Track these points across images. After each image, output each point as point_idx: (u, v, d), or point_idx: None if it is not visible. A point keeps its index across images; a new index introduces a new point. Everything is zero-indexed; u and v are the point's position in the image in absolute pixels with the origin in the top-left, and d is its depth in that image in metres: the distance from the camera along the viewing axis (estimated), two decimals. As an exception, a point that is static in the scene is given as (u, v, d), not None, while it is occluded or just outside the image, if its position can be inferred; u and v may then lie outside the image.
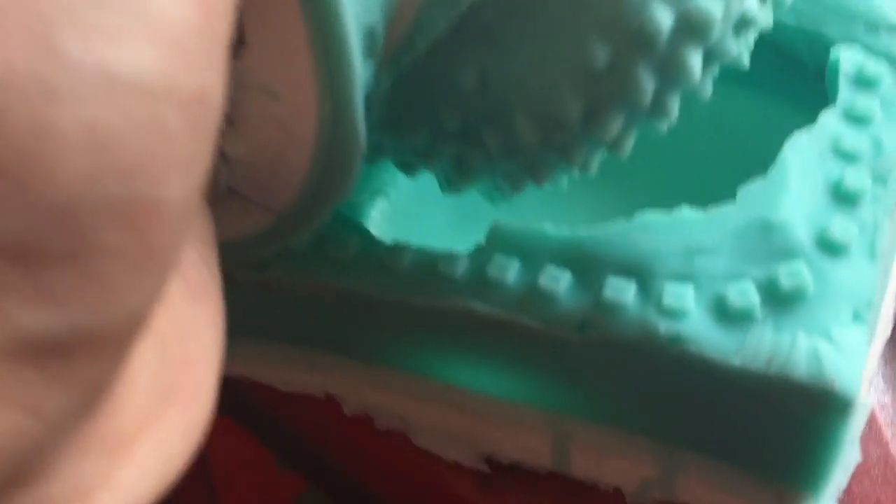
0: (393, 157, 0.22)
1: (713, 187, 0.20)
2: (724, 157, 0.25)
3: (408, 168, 0.22)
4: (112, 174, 0.09)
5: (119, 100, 0.09)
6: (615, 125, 0.18)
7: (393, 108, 0.20)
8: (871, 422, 0.24)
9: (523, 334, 0.19)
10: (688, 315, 0.18)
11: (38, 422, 0.10)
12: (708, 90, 0.19)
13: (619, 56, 0.17)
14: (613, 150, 0.19)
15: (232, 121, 0.17)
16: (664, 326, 0.18)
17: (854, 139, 0.20)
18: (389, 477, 0.27)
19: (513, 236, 0.20)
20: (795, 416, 0.17)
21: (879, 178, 0.19)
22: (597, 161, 0.19)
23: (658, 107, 0.18)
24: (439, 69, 0.19)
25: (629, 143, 0.19)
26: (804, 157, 0.19)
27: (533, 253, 0.20)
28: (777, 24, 0.20)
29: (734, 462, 0.19)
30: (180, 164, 0.10)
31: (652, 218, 0.19)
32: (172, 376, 0.13)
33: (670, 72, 0.18)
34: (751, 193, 0.19)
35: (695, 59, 0.17)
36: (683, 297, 0.18)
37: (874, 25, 0.22)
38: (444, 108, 0.19)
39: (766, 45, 0.21)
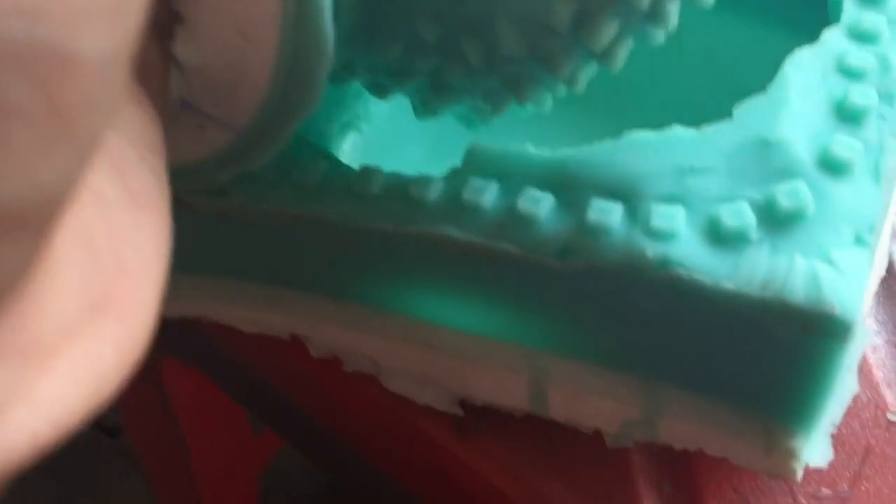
0: (364, 77, 0.20)
1: (708, 114, 0.19)
2: (721, 84, 0.23)
3: (380, 90, 0.21)
4: (12, 11, 0.08)
5: None
6: (608, 32, 0.16)
7: (364, 21, 0.18)
8: (863, 363, 0.23)
9: (501, 261, 0.18)
10: (677, 237, 0.16)
11: None
12: None
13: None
14: (605, 61, 0.17)
15: (184, 19, 0.16)
16: (651, 249, 0.16)
17: (860, 56, 0.18)
18: (360, 424, 0.26)
19: (491, 158, 0.19)
20: (791, 343, 0.16)
21: (887, 97, 0.18)
22: (586, 75, 0.18)
23: (656, 11, 0.17)
24: (414, -27, 0.17)
25: (622, 55, 0.17)
26: (806, 73, 0.18)
27: (512, 175, 0.18)
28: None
29: (721, 397, 0.18)
30: (100, 12, 0.09)
31: (641, 137, 0.18)
32: (106, 285, 0.12)
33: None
34: (748, 111, 0.18)
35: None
36: (673, 219, 0.16)
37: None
38: (420, 18, 0.18)
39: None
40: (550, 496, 0.22)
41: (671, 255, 0.16)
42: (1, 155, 0.08)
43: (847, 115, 0.17)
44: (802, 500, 0.21)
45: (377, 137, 0.27)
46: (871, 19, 0.19)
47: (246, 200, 0.20)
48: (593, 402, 0.20)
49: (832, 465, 0.21)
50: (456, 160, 0.20)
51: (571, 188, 0.18)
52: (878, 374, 0.23)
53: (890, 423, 0.22)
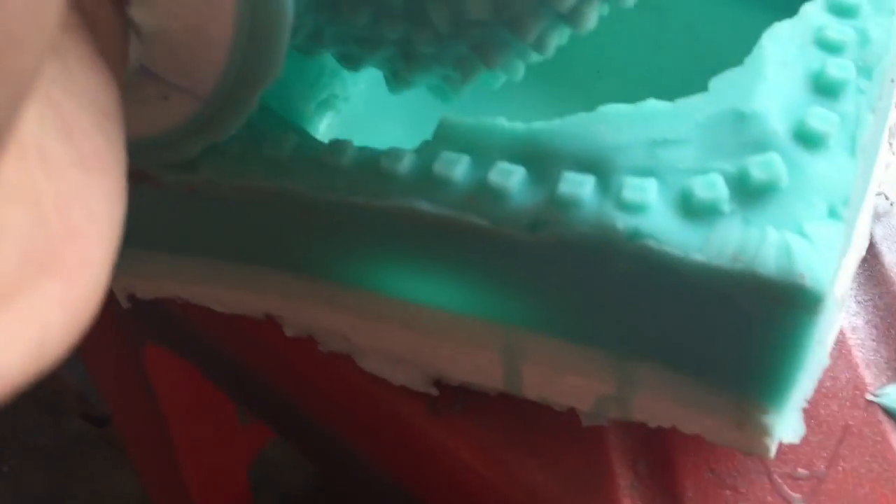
0: (333, 47, 0.20)
1: (691, 90, 0.19)
2: (704, 60, 0.23)
3: (351, 61, 0.20)
4: None
5: None
6: None
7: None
8: (842, 344, 0.23)
9: (472, 235, 0.18)
10: (649, 209, 0.16)
11: None
12: None
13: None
14: (572, 23, 0.17)
15: (141, -21, 0.15)
16: (622, 221, 0.16)
17: (838, 30, 0.18)
18: (337, 406, 0.26)
19: (463, 130, 0.18)
20: (762, 316, 0.15)
21: (864, 70, 0.17)
22: (554, 39, 0.18)
23: None
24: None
25: (590, 17, 0.17)
26: (783, 47, 0.18)
27: (484, 148, 0.18)
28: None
29: (693, 372, 0.17)
30: None
31: (614, 109, 0.17)
32: (52, 246, 0.12)
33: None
34: (723, 84, 0.17)
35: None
36: (645, 191, 0.16)
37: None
38: (386, -18, 0.17)
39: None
40: (525, 476, 0.22)
41: (642, 227, 0.16)
42: None
43: (824, 88, 0.17)
44: (779, 480, 0.21)
45: (355, 117, 0.27)
46: (852, -7, 0.19)
47: (215, 174, 0.20)
48: (567, 379, 0.20)
49: (809, 445, 0.21)
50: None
51: (543, 161, 0.17)
52: (858, 354, 0.23)
53: (868, 403, 0.22)
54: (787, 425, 0.17)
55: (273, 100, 0.23)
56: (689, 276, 0.16)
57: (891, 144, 0.25)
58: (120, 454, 0.68)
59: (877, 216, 0.25)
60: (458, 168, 0.18)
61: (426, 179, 0.18)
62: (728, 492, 0.21)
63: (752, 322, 0.16)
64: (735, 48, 0.20)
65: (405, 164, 0.18)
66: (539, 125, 0.18)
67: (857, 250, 0.22)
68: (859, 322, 0.23)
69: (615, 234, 0.16)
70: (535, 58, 0.18)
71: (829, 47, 0.18)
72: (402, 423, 0.24)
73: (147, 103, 0.18)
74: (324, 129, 0.26)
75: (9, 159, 0.11)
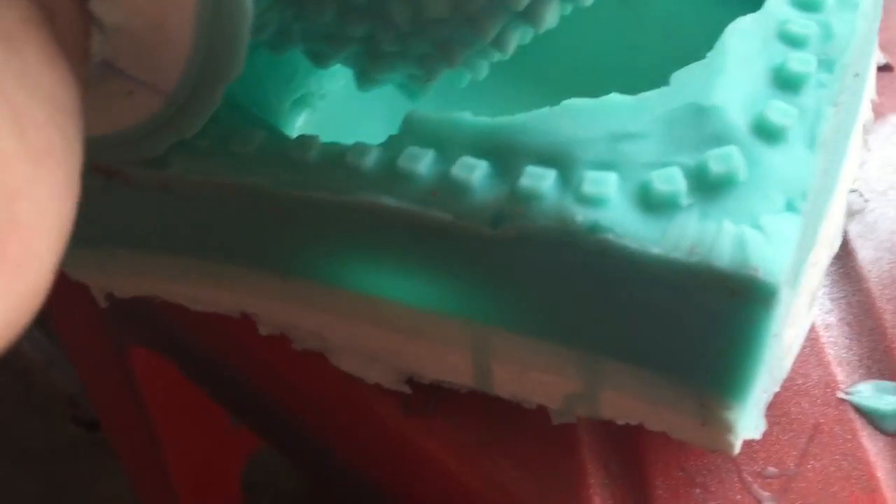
0: (302, 45, 0.20)
1: (660, 86, 0.19)
2: (679, 55, 0.23)
3: (319, 58, 0.20)
4: None
5: None
6: None
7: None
8: (814, 342, 0.23)
9: (436, 230, 0.18)
10: (608, 203, 0.16)
11: None
12: None
13: None
14: (530, 21, 0.17)
15: (101, -26, 0.16)
16: (582, 215, 0.16)
17: (801, 24, 0.18)
18: (310, 404, 0.26)
19: (428, 125, 0.18)
20: (718, 309, 0.15)
21: (826, 64, 0.17)
22: (514, 38, 0.18)
23: None
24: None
25: (546, 14, 0.17)
26: (746, 41, 0.18)
27: (449, 142, 0.18)
28: None
29: (656, 369, 0.17)
30: None
31: (576, 103, 0.17)
32: None
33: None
34: (684, 77, 0.17)
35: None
36: (604, 185, 0.16)
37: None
38: (349, -20, 0.17)
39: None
40: (498, 474, 0.22)
41: (601, 220, 0.16)
42: None
43: (784, 82, 0.17)
44: (748, 479, 0.21)
45: (332, 113, 0.27)
46: (817, -13, 0.19)
47: (185, 170, 0.20)
48: (535, 376, 0.20)
49: (779, 443, 0.21)
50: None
51: (507, 155, 0.17)
52: (830, 352, 0.23)
53: (840, 401, 0.22)
54: (749, 421, 0.17)
55: (247, 97, 0.24)
56: (647, 269, 0.16)
57: (865, 141, 0.25)
58: (112, 458, 0.68)
59: (851, 213, 0.25)
60: (422, 162, 0.18)
61: (391, 174, 0.18)
62: (698, 490, 0.21)
63: (709, 316, 0.16)
64: (710, 44, 0.20)
65: (370, 159, 0.18)
66: (503, 119, 0.18)
67: (828, 247, 0.22)
68: (832, 319, 0.23)
69: (575, 228, 0.16)
70: (497, 56, 0.18)
71: (791, 41, 0.18)
72: (376, 421, 0.24)
73: (113, 99, 0.18)
74: (300, 126, 0.26)
75: None
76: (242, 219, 0.21)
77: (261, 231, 0.21)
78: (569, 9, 0.18)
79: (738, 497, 0.21)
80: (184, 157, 0.20)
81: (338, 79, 0.27)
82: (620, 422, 0.20)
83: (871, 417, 0.21)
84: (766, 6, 0.19)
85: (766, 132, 0.16)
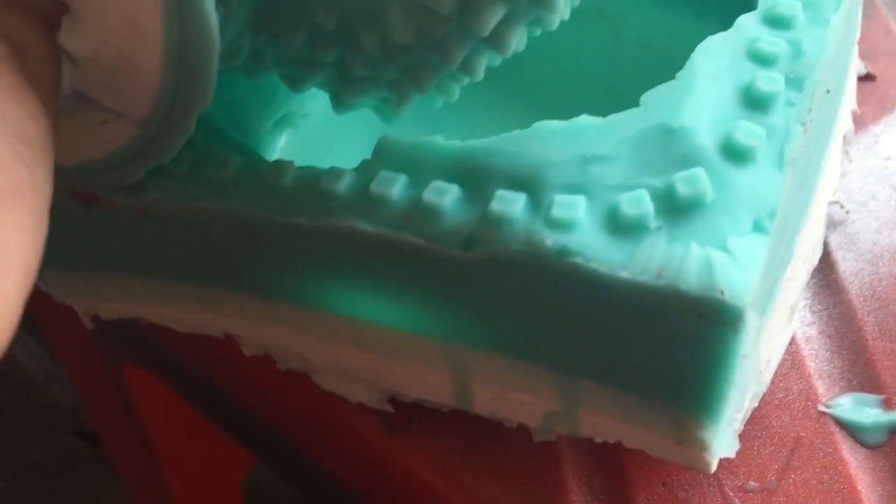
0: (276, 69, 0.20)
1: (629, 103, 0.19)
2: (653, 72, 0.23)
3: (294, 82, 0.21)
4: None
5: None
6: (493, 16, 0.16)
7: (264, 9, 0.18)
8: (795, 355, 0.23)
9: (410, 254, 0.18)
10: (577, 226, 0.16)
11: None
12: None
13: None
14: (495, 47, 0.17)
15: (70, 9, 0.16)
16: (551, 239, 0.16)
17: (770, 42, 0.18)
18: (296, 422, 0.26)
19: (401, 149, 0.18)
20: (687, 331, 0.15)
21: (795, 82, 0.18)
22: (481, 63, 0.18)
23: None
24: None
25: (512, 40, 0.17)
26: (716, 60, 0.18)
27: (421, 166, 0.18)
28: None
29: (630, 389, 0.17)
30: None
31: (546, 125, 0.17)
32: None
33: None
34: (654, 99, 0.18)
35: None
36: (573, 208, 0.16)
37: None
38: (318, 6, 0.18)
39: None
40: (481, 491, 0.22)
41: (570, 244, 0.16)
42: None
43: (753, 102, 0.17)
44: (730, 493, 0.21)
45: (314, 133, 0.27)
46: (787, 4, 0.19)
47: (163, 196, 0.20)
48: (514, 395, 0.20)
49: (761, 457, 0.21)
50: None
51: (478, 179, 0.17)
52: (811, 365, 0.23)
53: (820, 414, 0.22)
54: (724, 439, 0.17)
55: (228, 119, 0.24)
56: (616, 292, 0.16)
57: (846, 152, 0.25)
58: (113, 470, 0.68)
59: (832, 225, 0.25)
60: (394, 187, 0.18)
61: (364, 199, 0.18)
62: (680, 505, 0.21)
63: (679, 338, 0.16)
64: (680, 55, 0.20)
65: (344, 184, 0.18)
66: (474, 143, 0.18)
67: (807, 260, 0.22)
68: (813, 332, 0.23)
69: (545, 252, 0.16)
70: (466, 80, 0.18)
71: (761, 60, 0.18)
72: (360, 440, 0.24)
73: (87, 128, 0.18)
74: (282, 146, 0.26)
75: None
76: (222, 243, 0.21)
77: (240, 255, 0.21)
78: (537, 32, 0.18)
79: (720, 512, 0.21)
80: (161, 183, 0.20)
81: (319, 98, 0.27)
82: (599, 440, 0.20)
83: (851, 430, 0.21)
84: (737, 24, 0.19)
85: (734, 153, 0.16)
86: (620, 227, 0.16)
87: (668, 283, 0.15)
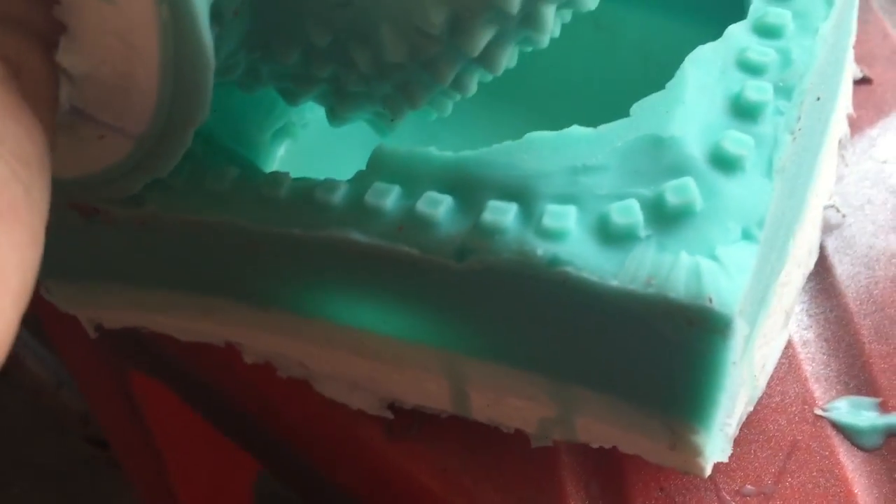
0: (272, 83, 0.21)
1: (624, 111, 0.19)
2: (649, 79, 0.23)
3: (290, 96, 0.21)
4: None
5: None
6: (483, 36, 0.16)
7: (258, 27, 0.18)
8: (791, 358, 0.23)
9: (404, 263, 0.18)
10: (567, 236, 0.16)
11: None
12: (590, 1, 0.17)
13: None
14: (485, 66, 0.17)
15: (67, 28, 0.16)
16: (542, 249, 0.16)
17: (759, 51, 0.18)
18: (298, 429, 0.26)
19: (395, 160, 0.19)
20: (677, 339, 0.16)
21: (784, 91, 0.18)
22: (473, 80, 0.18)
23: (531, 17, 0.17)
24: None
25: (502, 59, 0.17)
26: (705, 70, 0.18)
27: (414, 177, 0.18)
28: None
29: (624, 396, 0.18)
30: None
31: (538, 136, 0.18)
32: None
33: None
34: (644, 109, 0.18)
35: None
36: (564, 218, 0.16)
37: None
38: (311, 23, 0.18)
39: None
40: (480, 496, 0.22)
41: (561, 254, 0.16)
42: None
43: (742, 111, 0.17)
44: (727, 497, 0.21)
45: (314, 142, 0.27)
46: (776, 13, 0.19)
47: (161, 209, 0.20)
48: (510, 402, 0.20)
49: (757, 460, 0.21)
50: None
51: (470, 189, 0.18)
52: (808, 368, 0.23)
53: (817, 418, 0.22)
54: (717, 444, 0.18)
55: (227, 130, 0.24)
56: (607, 301, 0.16)
57: (842, 156, 0.25)
58: (124, 475, 0.69)
59: (829, 229, 0.25)
60: (388, 198, 0.18)
61: (358, 210, 0.18)
62: (677, 509, 0.21)
63: (669, 345, 0.16)
64: (675, 63, 0.20)
65: (339, 195, 0.19)
66: (467, 154, 0.18)
67: (802, 265, 0.22)
68: (810, 336, 0.23)
69: (536, 262, 0.16)
70: (458, 97, 0.19)
71: (750, 69, 0.18)
72: (360, 445, 0.24)
73: (85, 143, 0.18)
74: (282, 156, 0.27)
75: None
76: (221, 254, 0.21)
77: (239, 265, 0.21)
78: (527, 49, 0.18)
79: (717, 516, 0.21)
80: (159, 196, 0.20)
81: (318, 108, 0.27)
82: (595, 445, 0.20)
83: (848, 433, 0.22)
84: (727, 34, 0.19)
85: (723, 162, 0.17)
86: (610, 236, 0.16)
87: (657, 292, 0.15)
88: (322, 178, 0.20)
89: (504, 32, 0.17)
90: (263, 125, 0.26)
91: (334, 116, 0.20)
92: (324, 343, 0.22)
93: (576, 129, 0.18)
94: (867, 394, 0.22)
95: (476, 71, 0.18)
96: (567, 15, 0.18)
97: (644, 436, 0.18)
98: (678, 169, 0.17)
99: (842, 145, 0.25)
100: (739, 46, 0.19)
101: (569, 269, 0.16)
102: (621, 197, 0.17)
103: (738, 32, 0.19)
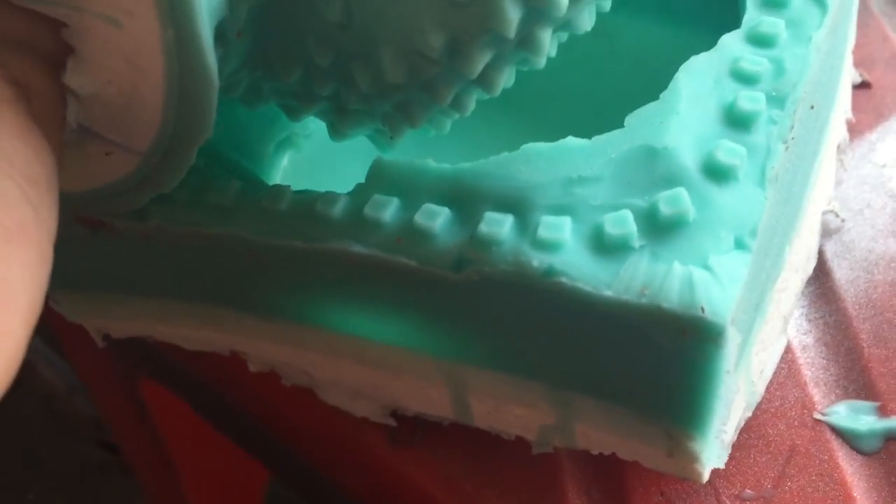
0: (274, 100, 0.21)
1: (622, 120, 0.19)
2: (647, 87, 0.24)
3: (292, 112, 0.21)
4: None
5: None
6: (481, 58, 0.17)
7: (261, 46, 0.19)
8: (791, 363, 0.23)
9: (403, 275, 0.18)
10: (562, 247, 0.17)
11: None
12: (584, 22, 0.18)
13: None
14: (483, 87, 0.18)
15: (75, 50, 0.16)
16: (538, 260, 0.17)
17: (753, 60, 0.18)
18: (302, 436, 0.26)
19: (393, 173, 0.19)
20: (670, 348, 0.16)
21: (777, 101, 0.18)
22: (471, 100, 0.18)
23: (528, 40, 0.17)
24: (304, 1, 0.18)
25: (500, 81, 0.18)
26: (699, 80, 0.18)
27: (413, 189, 0.19)
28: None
29: (622, 403, 0.18)
30: None
31: (533, 148, 0.18)
32: None
33: (536, 1, 0.16)
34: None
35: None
36: (559, 229, 0.17)
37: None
38: (312, 44, 0.18)
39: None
40: (482, 502, 0.22)
41: (556, 264, 0.16)
42: None
43: (735, 121, 0.18)
44: (727, 502, 0.21)
45: (317, 152, 0.27)
46: (770, 22, 0.19)
47: (165, 222, 0.21)
48: (510, 409, 0.20)
49: (757, 465, 0.22)
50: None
51: (467, 201, 0.18)
52: (807, 373, 0.23)
53: (816, 422, 0.22)
54: (714, 450, 0.18)
55: (231, 142, 0.24)
56: (602, 311, 0.16)
57: (841, 161, 0.26)
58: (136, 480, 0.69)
59: (828, 233, 0.25)
60: (387, 211, 0.18)
61: (358, 222, 0.19)
62: (677, 514, 0.21)
63: (664, 354, 0.16)
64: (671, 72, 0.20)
65: (339, 208, 0.19)
66: (465, 166, 0.18)
67: (800, 270, 0.22)
68: (809, 340, 0.23)
69: (531, 272, 0.17)
70: (457, 116, 0.19)
71: (743, 79, 0.18)
72: (364, 453, 0.24)
73: (91, 159, 0.19)
74: (285, 167, 0.27)
75: None
76: (224, 265, 0.22)
77: (243, 277, 0.22)
78: (525, 69, 0.18)
79: (717, 521, 0.21)
80: (163, 210, 0.21)
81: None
82: (595, 451, 0.20)
83: (847, 438, 0.22)
84: (721, 43, 0.19)
85: (716, 172, 0.17)
86: (605, 246, 0.16)
87: (650, 302, 0.15)
88: (327, 186, 0.20)
89: (501, 55, 0.17)
90: (267, 136, 0.26)
91: (335, 132, 0.21)
92: (326, 352, 0.22)
93: (571, 141, 0.18)
94: (866, 398, 0.22)
95: (474, 91, 0.18)
96: (563, 36, 0.18)
97: (642, 443, 0.18)
98: (671, 179, 0.17)
99: (841, 150, 0.25)
100: (733, 56, 0.19)
101: (564, 279, 0.16)
102: (615, 208, 0.17)
103: (731, 42, 0.19)
